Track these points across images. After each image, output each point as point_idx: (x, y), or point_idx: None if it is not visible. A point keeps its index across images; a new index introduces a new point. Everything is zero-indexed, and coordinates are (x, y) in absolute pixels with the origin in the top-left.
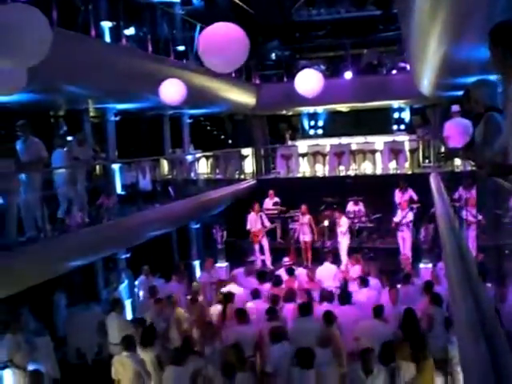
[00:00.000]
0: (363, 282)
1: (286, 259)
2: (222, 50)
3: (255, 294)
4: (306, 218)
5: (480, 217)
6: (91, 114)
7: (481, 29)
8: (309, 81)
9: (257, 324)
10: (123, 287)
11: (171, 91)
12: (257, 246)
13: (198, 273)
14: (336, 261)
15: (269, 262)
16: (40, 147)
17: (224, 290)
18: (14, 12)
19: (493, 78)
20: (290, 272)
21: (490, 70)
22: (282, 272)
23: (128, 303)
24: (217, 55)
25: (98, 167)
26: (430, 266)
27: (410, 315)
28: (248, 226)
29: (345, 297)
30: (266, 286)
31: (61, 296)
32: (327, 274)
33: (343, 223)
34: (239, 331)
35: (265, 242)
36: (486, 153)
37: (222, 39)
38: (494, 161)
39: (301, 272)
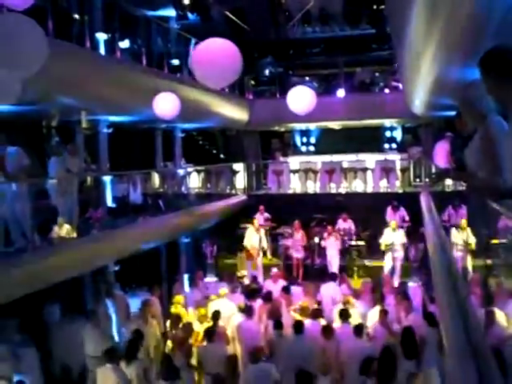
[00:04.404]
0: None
1: (274, 269)
2: (215, 65)
3: (248, 311)
4: (299, 235)
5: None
6: (84, 125)
7: (474, 49)
8: (301, 98)
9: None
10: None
11: (165, 105)
12: (249, 263)
13: (186, 287)
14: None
15: (261, 279)
16: (21, 156)
17: (212, 306)
18: (10, 22)
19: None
20: (286, 290)
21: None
22: (269, 284)
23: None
24: (209, 71)
25: (88, 179)
26: (419, 284)
27: (409, 333)
28: (245, 242)
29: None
30: (258, 303)
31: (53, 308)
32: (330, 294)
33: (333, 241)
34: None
35: (259, 259)
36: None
37: (215, 55)
38: (486, 182)
39: (295, 289)
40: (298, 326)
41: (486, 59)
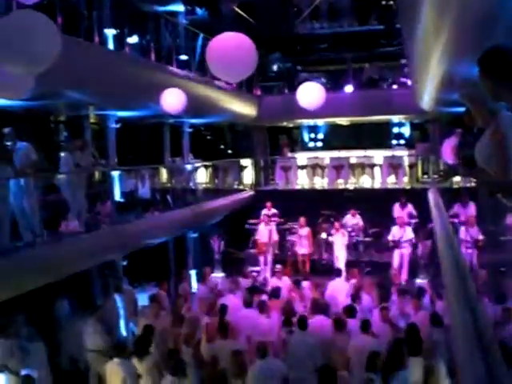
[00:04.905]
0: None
1: (278, 266)
2: (231, 59)
3: (261, 307)
4: (305, 231)
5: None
6: (92, 120)
7: (484, 46)
8: (310, 94)
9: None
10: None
11: (172, 100)
12: (262, 258)
13: (194, 283)
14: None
15: (269, 274)
16: (29, 151)
17: (220, 301)
18: (24, 18)
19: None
20: (297, 285)
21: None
22: (274, 280)
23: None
24: (225, 64)
25: (96, 174)
26: (427, 281)
27: (414, 330)
28: (257, 236)
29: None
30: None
31: (63, 303)
32: (339, 290)
33: (341, 236)
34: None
35: (269, 254)
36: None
37: (232, 48)
38: (497, 178)
39: (303, 284)
40: (302, 322)
41: (485, 59)
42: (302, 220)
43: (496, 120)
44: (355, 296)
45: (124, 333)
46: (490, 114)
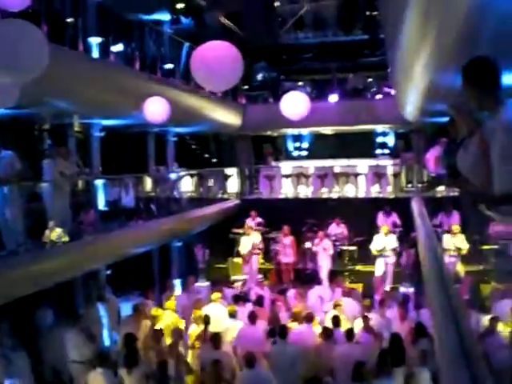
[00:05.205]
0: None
1: (259, 276)
2: (216, 68)
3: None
4: (289, 240)
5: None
6: (76, 128)
7: (467, 56)
8: (295, 103)
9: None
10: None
11: (155, 109)
12: (246, 267)
13: (178, 292)
14: (317, 283)
15: (253, 284)
16: (13, 160)
17: (204, 310)
18: (12, 28)
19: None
20: (282, 293)
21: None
22: (256, 290)
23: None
24: (210, 73)
25: (80, 182)
26: (411, 290)
27: (397, 340)
28: (241, 245)
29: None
30: (248, 307)
31: (45, 312)
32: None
33: (325, 245)
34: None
35: (254, 263)
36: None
37: (217, 58)
38: (480, 189)
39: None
40: (282, 332)
41: (469, 68)
42: (286, 229)
43: (481, 130)
44: (335, 305)
45: (107, 342)
46: (475, 123)
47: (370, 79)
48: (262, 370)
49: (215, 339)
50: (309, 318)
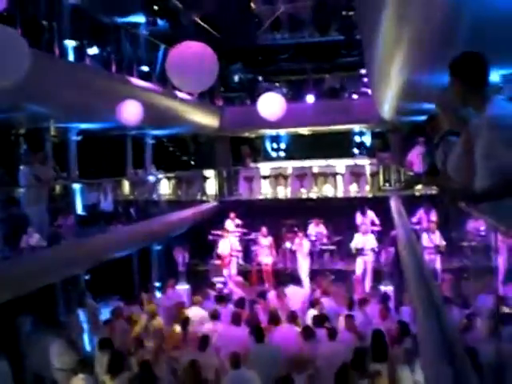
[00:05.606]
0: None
1: (238, 278)
2: (191, 69)
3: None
4: (267, 241)
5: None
6: (52, 132)
7: (444, 55)
8: (271, 104)
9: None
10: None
11: (128, 112)
12: (226, 269)
13: (158, 295)
14: (297, 283)
15: (233, 285)
16: None
17: (185, 313)
18: None
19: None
20: (263, 296)
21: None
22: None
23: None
24: (186, 75)
25: (58, 187)
26: (391, 288)
27: (379, 336)
28: (220, 247)
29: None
30: (229, 308)
31: (25, 319)
32: (295, 297)
33: (304, 245)
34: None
35: (233, 266)
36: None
37: (191, 59)
38: (458, 187)
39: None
40: (259, 333)
41: (456, 63)
42: (264, 230)
43: (467, 128)
44: (314, 303)
45: (88, 348)
46: (462, 121)
47: (347, 79)
48: (246, 371)
49: (203, 341)
50: (291, 318)
